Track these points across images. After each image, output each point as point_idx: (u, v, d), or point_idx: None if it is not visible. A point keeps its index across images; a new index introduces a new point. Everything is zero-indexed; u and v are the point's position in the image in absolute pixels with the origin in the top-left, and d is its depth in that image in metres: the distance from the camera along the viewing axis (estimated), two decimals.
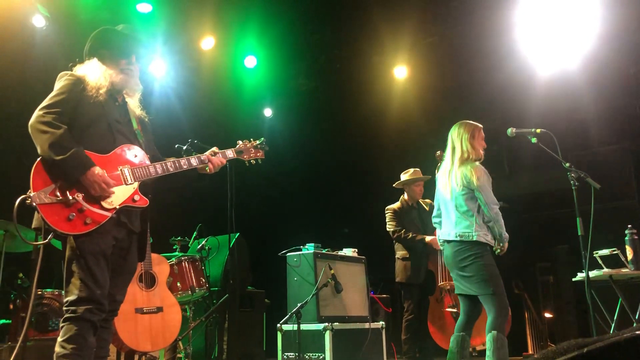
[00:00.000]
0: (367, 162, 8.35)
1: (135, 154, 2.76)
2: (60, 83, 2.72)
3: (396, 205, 5.99)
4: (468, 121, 4.18)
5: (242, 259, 5.94)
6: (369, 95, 8.11)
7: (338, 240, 5.70)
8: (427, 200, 6.12)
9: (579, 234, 3.62)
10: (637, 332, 0.82)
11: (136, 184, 2.70)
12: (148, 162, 2.79)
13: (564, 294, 7.13)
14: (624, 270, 4.11)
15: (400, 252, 5.86)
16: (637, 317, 4.19)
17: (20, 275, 4.33)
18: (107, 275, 2.59)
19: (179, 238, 5.14)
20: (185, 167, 2.91)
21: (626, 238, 4.16)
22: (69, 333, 2.47)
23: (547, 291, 7.51)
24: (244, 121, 8.10)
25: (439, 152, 5.93)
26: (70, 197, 2.49)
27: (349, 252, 4.99)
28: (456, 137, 4.14)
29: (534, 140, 3.92)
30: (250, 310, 6.04)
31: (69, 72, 2.77)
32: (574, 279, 3.96)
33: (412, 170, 5.92)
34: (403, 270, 5.78)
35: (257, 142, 3.27)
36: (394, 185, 6.03)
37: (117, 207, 2.61)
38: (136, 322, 3.37)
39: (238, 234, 5.94)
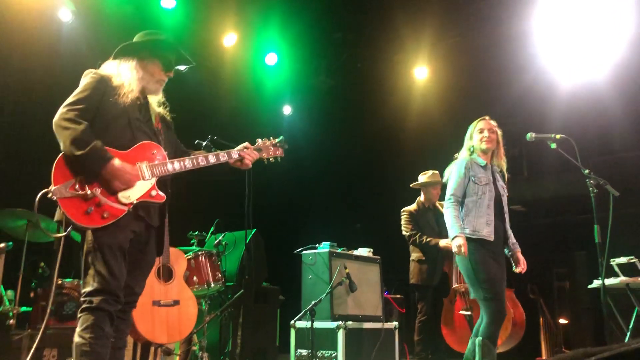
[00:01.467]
0: (386, 162, 8.35)
1: (154, 151, 2.80)
2: (84, 80, 2.77)
3: (412, 207, 5.99)
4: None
5: (258, 255, 5.98)
6: (389, 94, 8.11)
7: (354, 240, 5.73)
8: (443, 202, 6.11)
9: (596, 241, 3.59)
10: None
11: (154, 180, 2.74)
12: (166, 159, 2.83)
13: (580, 300, 7.08)
14: None
15: (415, 254, 5.87)
16: None
17: (42, 264, 4.43)
18: (123, 268, 2.64)
19: (196, 233, 5.19)
20: (203, 163, 2.92)
21: None
22: (86, 323, 2.53)
23: (563, 297, 7.47)
24: (264, 118, 8.14)
25: (457, 154, 5.94)
26: (89, 192, 2.55)
27: (364, 251, 5.02)
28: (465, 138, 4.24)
29: (553, 145, 3.91)
30: (265, 305, 6.10)
31: (94, 70, 2.82)
32: (589, 286, 3.93)
33: (430, 172, 5.92)
34: (418, 272, 5.79)
35: (277, 140, 3.25)
36: (411, 185, 6.04)
37: (135, 201, 2.66)
38: (153, 315, 3.44)
39: (255, 230, 5.99)
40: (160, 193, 2.77)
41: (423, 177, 5.97)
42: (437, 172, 5.93)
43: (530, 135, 4.01)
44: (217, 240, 5.08)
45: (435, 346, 5.68)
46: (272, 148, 3.22)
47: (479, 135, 4.11)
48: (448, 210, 3.95)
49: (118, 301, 2.61)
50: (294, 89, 8.38)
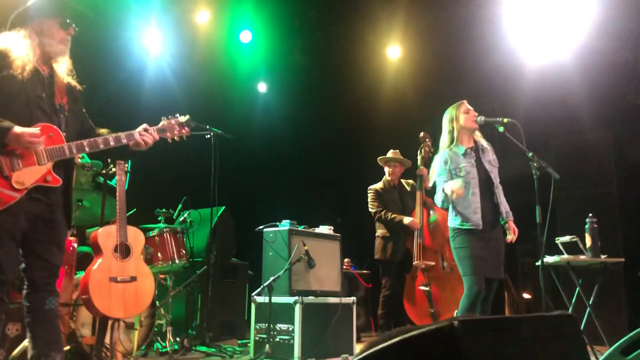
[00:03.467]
0: (359, 140, 8.46)
1: (50, 133, 2.72)
2: None
3: (378, 185, 6.17)
4: (452, 105, 4.31)
5: (226, 232, 6.13)
6: (362, 73, 8.18)
7: (324, 218, 5.87)
8: (410, 181, 6.29)
9: (537, 221, 3.75)
10: (444, 324, 0.97)
11: (49, 164, 2.71)
12: (64, 141, 2.75)
13: (544, 277, 7.31)
14: (582, 257, 4.26)
15: (380, 231, 6.07)
16: (590, 302, 4.36)
17: None
18: (13, 251, 2.67)
19: (163, 210, 5.31)
20: (102, 146, 2.85)
21: (586, 226, 4.30)
22: None
23: (528, 273, 7.69)
24: (238, 96, 8.20)
25: (422, 134, 6.09)
26: None
27: (325, 229, 5.17)
28: (444, 124, 4.33)
29: (501, 129, 4.04)
30: (234, 281, 6.27)
31: None
32: (537, 264, 4.11)
33: (392, 151, 6.13)
34: (382, 248, 5.99)
35: (182, 118, 3.11)
36: (378, 159, 6.23)
37: (29, 187, 2.64)
38: (110, 290, 3.56)
39: (224, 207, 6.13)
40: (56, 176, 2.73)
41: (389, 154, 6.18)
42: (397, 151, 6.15)
43: (480, 119, 4.14)
44: (183, 218, 5.20)
45: (397, 319, 5.88)
46: (177, 127, 3.07)
47: (465, 115, 4.20)
48: (441, 188, 4.15)
49: (2, 282, 2.62)
50: (269, 67, 8.42)
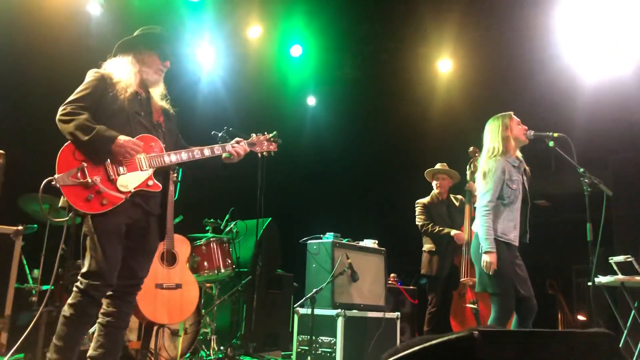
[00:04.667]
0: (408, 154, 8.39)
1: (151, 143, 2.98)
2: (86, 79, 2.97)
3: (426, 199, 6.09)
4: (497, 115, 4.16)
5: (272, 243, 6.19)
6: (413, 87, 8.15)
7: (371, 231, 5.84)
8: (459, 196, 6.18)
9: (588, 239, 3.61)
10: (464, 334, 0.95)
11: (151, 171, 2.92)
12: (163, 151, 3.00)
13: (597, 297, 7.02)
14: (637, 277, 4.07)
15: (427, 245, 5.97)
16: None
17: (63, 246, 4.71)
18: (118, 252, 2.83)
19: (211, 220, 5.42)
20: (198, 155, 3.07)
21: None
22: (74, 300, 2.76)
23: (583, 294, 7.41)
24: (288, 110, 8.30)
25: (471, 149, 5.99)
26: (90, 180, 2.75)
27: (369, 243, 5.14)
28: (486, 136, 4.16)
29: (551, 144, 3.92)
30: (279, 292, 6.31)
31: (95, 69, 3.02)
32: (589, 284, 3.95)
33: (439, 164, 6.07)
34: (428, 263, 5.89)
35: (270, 135, 3.38)
36: (425, 172, 6.16)
37: (132, 190, 2.85)
38: (155, 297, 3.66)
39: (270, 219, 6.20)
40: (157, 183, 2.95)
41: (436, 166, 6.12)
42: (445, 164, 6.09)
43: (529, 133, 4.03)
44: (229, 228, 5.29)
45: None
46: (265, 143, 3.34)
47: (517, 127, 4.04)
48: (483, 219, 3.87)
49: (107, 284, 2.80)
50: (319, 81, 8.50)
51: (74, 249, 4.06)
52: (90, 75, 2.98)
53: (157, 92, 3.21)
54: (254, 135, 3.37)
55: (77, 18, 6.16)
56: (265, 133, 3.39)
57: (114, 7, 6.43)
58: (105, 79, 2.97)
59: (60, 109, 2.86)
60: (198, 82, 7.29)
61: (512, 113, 4.13)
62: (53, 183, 2.73)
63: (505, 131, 4.02)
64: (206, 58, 7.27)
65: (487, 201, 3.88)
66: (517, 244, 3.93)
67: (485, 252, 3.80)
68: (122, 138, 2.81)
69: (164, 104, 3.23)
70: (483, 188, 3.95)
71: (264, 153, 3.37)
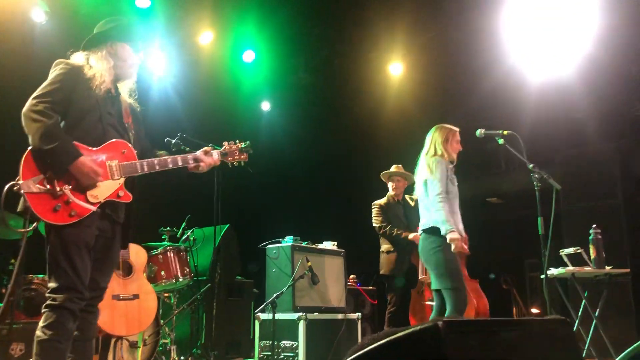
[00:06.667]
0: (363, 156, 8.48)
1: (124, 150, 2.82)
2: (55, 71, 2.77)
3: (382, 200, 6.17)
4: (444, 125, 4.38)
5: (230, 250, 6.14)
6: (365, 90, 8.24)
7: (329, 233, 5.87)
8: (414, 196, 6.26)
9: (540, 233, 3.73)
10: (429, 324, 0.97)
11: (122, 180, 2.77)
12: (136, 158, 2.85)
13: (550, 289, 7.26)
14: (587, 268, 4.23)
15: (384, 246, 6.04)
16: (596, 314, 4.31)
17: (12, 260, 4.54)
18: (88, 265, 2.68)
19: (167, 228, 5.33)
20: (171, 165, 2.95)
21: (590, 237, 4.28)
22: (49, 320, 2.57)
23: (536, 287, 7.64)
24: (242, 115, 8.25)
25: (425, 152, 6.11)
26: (58, 189, 2.57)
27: (328, 245, 5.16)
28: (430, 140, 4.36)
29: (501, 141, 4.05)
30: (239, 299, 6.26)
31: (65, 61, 2.83)
32: (541, 276, 4.08)
33: (394, 166, 6.14)
34: (387, 263, 5.96)
35: (243, 144, 3.25)
36: (381, 175, 6.24)
37: (102, 201, 2.70)
38: (113, 308, 3.58)
39: (228, 225, 6.15)
40: (128, 193, 2.80)
41: (392, 169, 6.21)
42: (400, 165, 6.17)
43: (479, 132, 4.16)
44: (185, 236, 5.22)
45: None
46: (237, 153, 3.23)
47: (456, 145, 4.36)
48: (441, 205, 4.08)
49: (81, 298, 2.65)
50: (273, 86, 8.48)
51: (30, 262, 3.91)
52: (59, 67, 2.78)
53: (126, 88, 3.04)
54: (226, 143, 3.25)
55: (20, 26, 5.96)
56: (237, 142, 3.27)
57: (59, 14, 6.25)
58: (76, 72, 2.79)
59: (31, 102, 2.65)
60: (149, 89, 7.15)
61: (458, 130, 4.38)
62: (16, 189, 2.54)
63: (445, 143, 4.33)
64: (157, 64, 7.15)
65: (440, 189, 4.10)
66: (462, 236, 4.08)
67: (450, 232, 3.97)
68: (83, 160, 2.64)
69: (132, 101, 3.07)
70: (432, 180, 4.17)
71: (235, 163, 3.27)
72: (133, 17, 3.12)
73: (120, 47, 2.91)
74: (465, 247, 4.06)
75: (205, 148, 3.12)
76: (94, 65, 2.85)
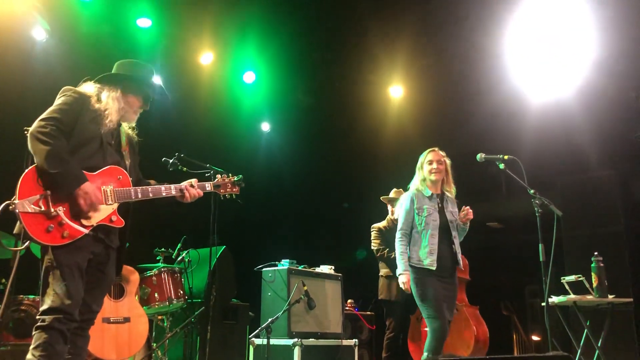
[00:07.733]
0: (362, 179, 8.43)
1: (119, 176, 2.90)
2: (63, 97, 2.85)
3: (382, 224, 6.09)
4: (427, 150, 4.49)
5: (226, 272, 6.03)
6: (365, 113, 8.22)
7: (327, 257, 5.78)
8: None
9: (541, 259, 3.66)
10: None
11: (115, 205, 2.83)
12: (131, 185, 2.93)
13: (551, 317, 7.15)
14: (589, 297, 4.15)
15: (383, 270, 5.94)
16: (599, 344, 4.21)
17: (2, 280, 4.46)
18: (80, 287, 2.69)
19: (162, 249, 5.25)
20: (163, 194, 3.05)
21: (592, 265, 4.20)
22: (39, 341, 2.57)
23: (537, 314, 7.52)
24: (242, 136, 8.22)
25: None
26: (52, 210, 2.61)
27: (325, 269, 5.08)
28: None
29: (501, 166, 4.01)
30: (234, 322, 6.13)
31: (73, 89, 2.91)
32: (542, 304, 3.99)
33: (394, 190, 6.07)
34: (386, 287, 5.86)
35: (235, 178, 3.36)
36: (381, 198, 6.17)
37: (95, 224, 2.74)
38: (103, 332, 3.49)
39: (224, 247, 6.05)
40: (120, 218, 2.86)
41: (392, 193, 6.12)
42: (401, 189, 6.07)
43: (480, 156, 4.11)
44: (180, 258, 5.14)
45: None
46: (230, 185, 3.33)
47: (428, 166, 4.39)
48: (396, 245, 4.29)
49: (72, 320, 2.65)
50: (272, 107, 8.47)
51: (11, 282, 3.83)
52: (68, 94, 2.87)
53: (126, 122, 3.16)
54: (219, 176, 3.36)
55: (21, 43, 5.95)
56: (230, 175, 3.38)
57: (59, 32, 6.24)
58: (84, 100, 2.88)
59: (39, 124, 2.70)
60: (150, 109, 7.13)
61: (433, 150, 4.44)
62: (11, 208, 2.56)
63: (420, 170, 4.45)
64: (157, 84, 7.12)
65: (398, 229, 4.31)
66: (434, 268, 4.12)
67: (399, 275, 4.22)
68: (88, 186, 2.71)
69: (131, 132, 3.18)
70: (398, 219, 4.39)
71: (227, 195, 3.36)
72: (150, 68, 3.22)
73: (133, 95, 3.05)
74: (408, 287, 4.20)
75: (191, 181, 3.20)
76: (104, 101, 2.95)
